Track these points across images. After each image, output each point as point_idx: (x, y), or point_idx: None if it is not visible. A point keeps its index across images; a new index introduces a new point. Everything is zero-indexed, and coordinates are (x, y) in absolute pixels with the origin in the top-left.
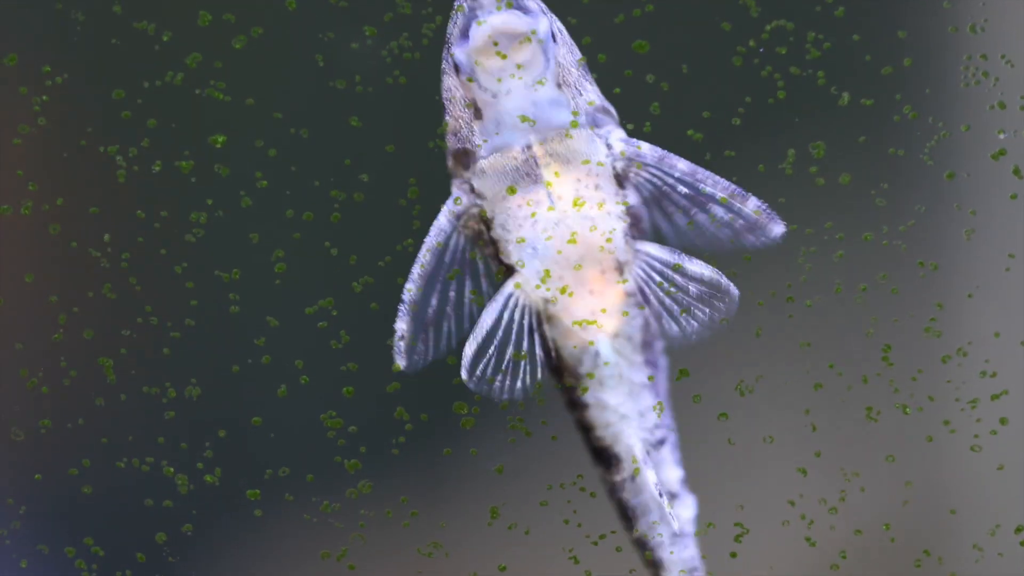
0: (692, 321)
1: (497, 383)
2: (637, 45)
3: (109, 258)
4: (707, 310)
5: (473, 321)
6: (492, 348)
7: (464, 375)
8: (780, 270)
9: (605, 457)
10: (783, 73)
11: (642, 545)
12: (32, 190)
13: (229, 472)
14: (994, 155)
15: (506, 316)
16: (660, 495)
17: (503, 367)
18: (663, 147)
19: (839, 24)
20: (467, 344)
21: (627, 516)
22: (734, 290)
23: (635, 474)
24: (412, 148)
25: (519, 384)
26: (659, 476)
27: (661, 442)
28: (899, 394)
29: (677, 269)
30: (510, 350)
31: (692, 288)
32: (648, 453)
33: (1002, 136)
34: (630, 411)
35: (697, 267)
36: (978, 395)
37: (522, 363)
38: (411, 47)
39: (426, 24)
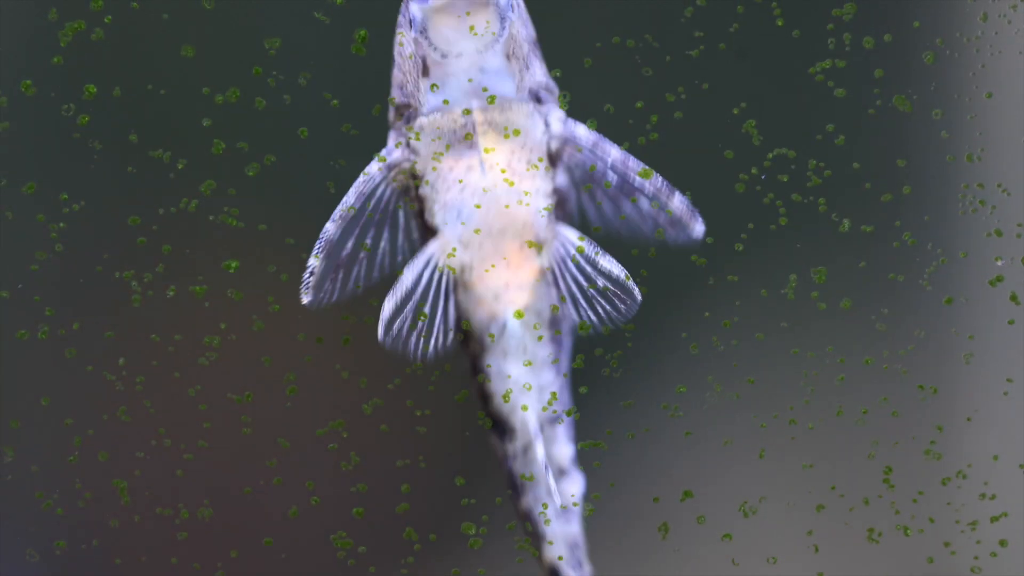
0: (592, 314)
1: (412, 343)
2: (642, 172)
3: (124, 381)
4: (609, 307)
5: (384, 271)
6: (408, 307)
7: (380, 331)
8: (782, 393)
9: (501, 427)
10: (785, 200)
11: (527, 517)
12: (49, 315)
13: None
14: (992, 281)
15: (424, 277)
16: (546, 468)
17: (417, 328)
18: (668, 278)
19: (840, 152)
20: (386, 300)
21: (516, 488)
22: (637, 293)
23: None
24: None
25: (432, 346)
26: (550, 451)
27: (556, 419)
28: (900, 515)
29: (588, 260)
30: (425, 311)
31: (600, 282)
32: (542, 428)
33: (999, 263)
34: (530, 384)
35: (608, 264)
36: (978, 517)
37: (436, 326)
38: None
39: (435, 152)
